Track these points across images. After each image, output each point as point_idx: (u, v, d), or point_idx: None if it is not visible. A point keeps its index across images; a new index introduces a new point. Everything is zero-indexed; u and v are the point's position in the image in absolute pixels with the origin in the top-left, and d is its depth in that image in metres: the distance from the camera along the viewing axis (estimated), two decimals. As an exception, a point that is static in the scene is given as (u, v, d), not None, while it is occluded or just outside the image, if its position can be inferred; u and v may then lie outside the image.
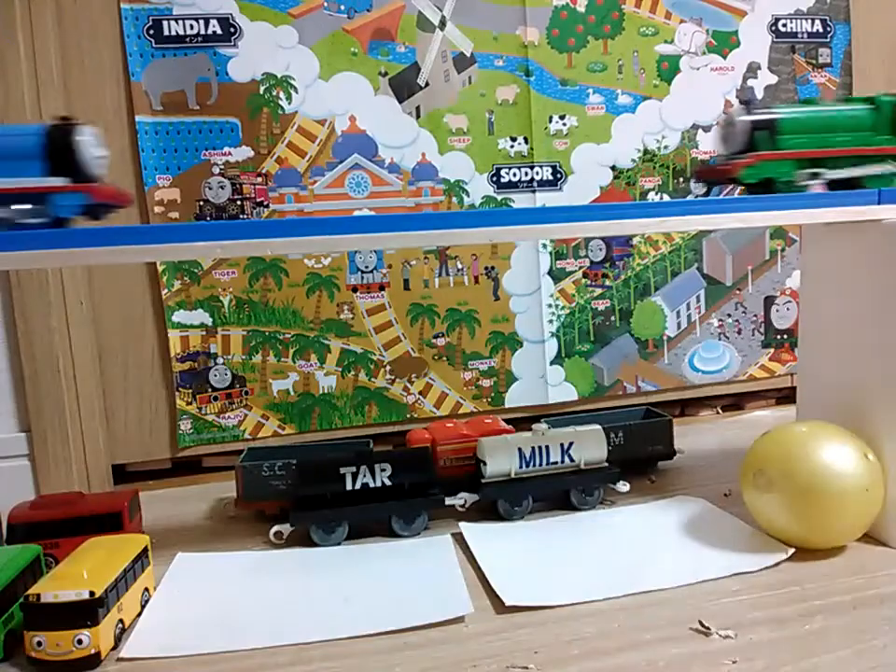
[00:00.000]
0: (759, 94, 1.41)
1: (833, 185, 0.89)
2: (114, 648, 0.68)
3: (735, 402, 1.49)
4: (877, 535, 0.82)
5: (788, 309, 1.46)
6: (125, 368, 1.23)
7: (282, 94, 1.24)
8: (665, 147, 1.38)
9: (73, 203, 0.73)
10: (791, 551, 0.79)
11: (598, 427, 0.99)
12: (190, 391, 1.25)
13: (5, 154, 0.72)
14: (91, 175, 0.74)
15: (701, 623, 0.68)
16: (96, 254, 0.72)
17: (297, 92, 1.24)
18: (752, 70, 1.41)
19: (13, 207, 0.71)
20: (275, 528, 0.90)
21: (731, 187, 1.28)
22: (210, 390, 1.26)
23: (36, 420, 1.16)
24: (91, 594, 0.64)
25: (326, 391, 1.30)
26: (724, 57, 1.40)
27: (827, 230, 0.91)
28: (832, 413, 0.85)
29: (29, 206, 0.72)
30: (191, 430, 1.25)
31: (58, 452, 1.16)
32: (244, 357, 1.27)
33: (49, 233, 0.71)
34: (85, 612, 0.64)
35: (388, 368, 1.32)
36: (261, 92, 1.23)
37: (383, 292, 1.30)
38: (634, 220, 0.81)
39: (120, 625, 0.69)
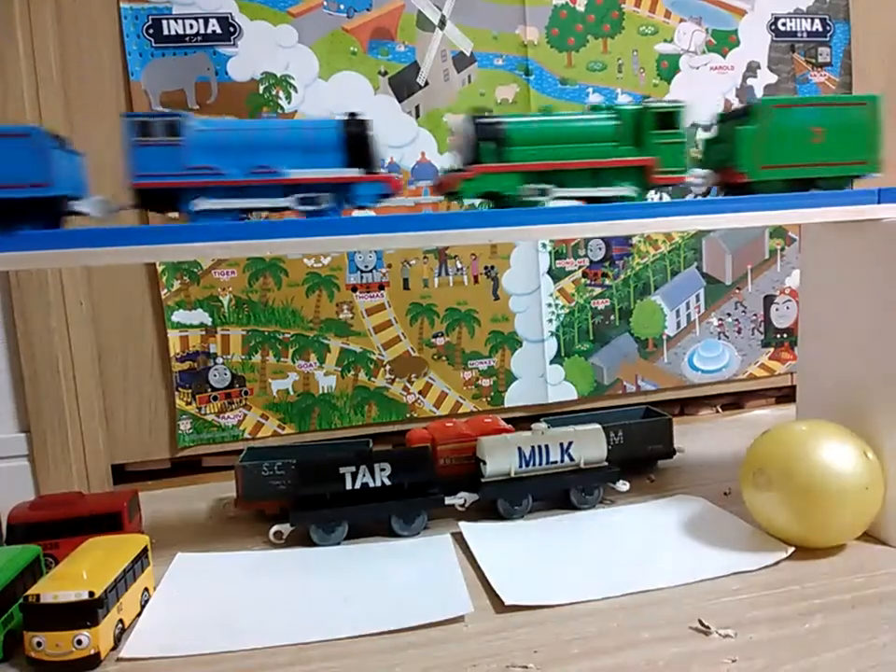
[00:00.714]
0: (759, 93, 1.41)
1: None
2: (113, 648, 0.68)
3: (735, 401, 1.49)
4: (877, 534, 0.82)
5: (787, 308, 1.46)
6: (125, 368, 1.23)
7: (281, 94, 1.23)
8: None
9: (373, 192, 0.79)
10: (791, 550, 0.79)
11: (598, 426, 0.99)
12: (190, 391, 1.25)
13: (310, 146, 0.78)
14: (377, 167, 0.80)
15: (700, 622, 0.67)
16: (96, 255, 0.72)
17: (296, 92, 1.24)
18: (752, 69, 1.41)
19: (321, 195, 0.77)
20: (275, 528, 0.90)
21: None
22: (210, 390, 1.26)
23: (36, 421, 1.16)
24: (91, 594, 0.64)
25: (325, 391, 1.30)
26: (724, 56, 1.40)
27: (826, 229, 0.90)
28: (831, 412, 0.85)
29: (334, 195, 0.78)
30: (191, 430, 1.25)
31: (57, 452, 1.16)
32: (243, 357, 1.26)
33: (48, 234, 0.71)
34: (84, 613, 0.64)
35: (388, 367, 1.32)
36: (261, 92, 1.23)
37: (382, 292, 1.30)
38: (634, 220, 0.81)
39: (120, 625, 0.69)
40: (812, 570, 0.76)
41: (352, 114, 0.79)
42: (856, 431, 0.81)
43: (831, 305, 0.91)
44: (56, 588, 0.65)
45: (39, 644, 0.64)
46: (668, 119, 0.83)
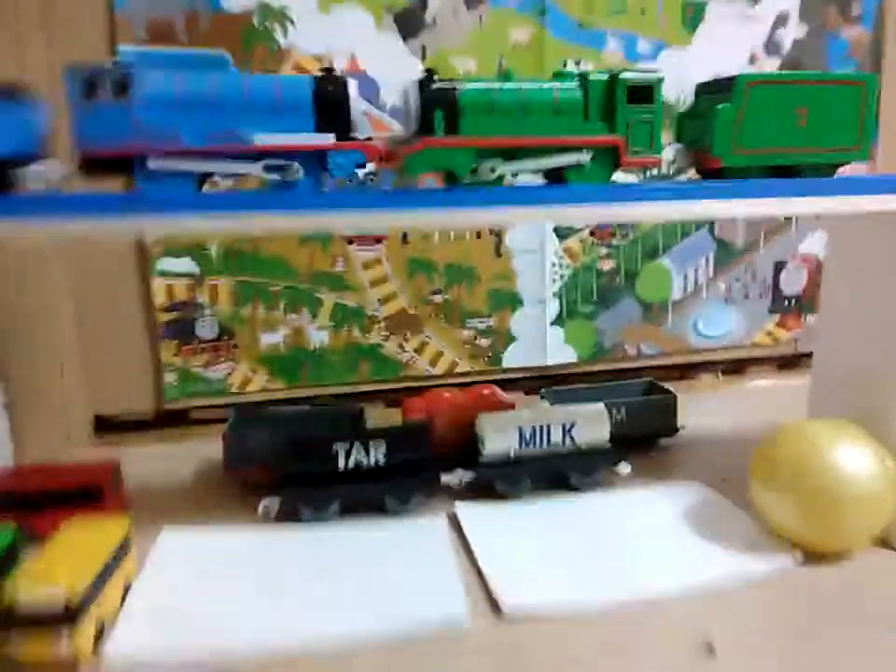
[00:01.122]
0: (787, 47, 1.33)
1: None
2: (95, 642, 0.64)
3: (737, 367, 1.46)
4: (889, 540, 0.79)
5: (797, 275, 1.41)
6: (108, 318, 1.17)
7: (277, 27, 1.15)
8: (685, 102, 1.29)
9: (350, 161, 0.70)
10: (800, 555, 0.76)
11: (601, 406, 0.96)
12: (176, 342, 1.20)
13: (279, 107, 0.68)
14: (354, 132, 0.71)
15: (706, 639, 0.65)
16: (82, 226, 0.65)
17: (294, 26, 1.15)
18: (782, 20, 1.32)
19: (291, 164, 0.69)
20: (264, 504, 0.86)
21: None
22: (196, 342, 1.21)
23: (17, 371, 1.10)
24: (69, 600, 0.61)
25: (317, 346, 1.25)
26: (753, 5, 1.31)
27: (857, 217, 0.85)
28: (846, 411, 0.82)
29: (305, 164, 0.69)
30: (177, 382, 1.21)
31: (38, 404, 1.12)
32: (232, 309, 1.21)
33: (35, 200, 0.64)
34: (63, 618, 0.61)
35: (383, 324, 1.27)
36: (255, 24, 1.14)
37: (379, 245, 1.24)
38: (652, 203, 0.73)
39: (101, 624, 0.66)
40: (821, 578, 0.74)
41: (327, 69, 0.70)
42: (872, 433, 0.77)
43: (856, 297, 0.87)
44: (32, 590, 0.61)
45: (15, 646, 0.60)
46: (643, 92, 0.72)
